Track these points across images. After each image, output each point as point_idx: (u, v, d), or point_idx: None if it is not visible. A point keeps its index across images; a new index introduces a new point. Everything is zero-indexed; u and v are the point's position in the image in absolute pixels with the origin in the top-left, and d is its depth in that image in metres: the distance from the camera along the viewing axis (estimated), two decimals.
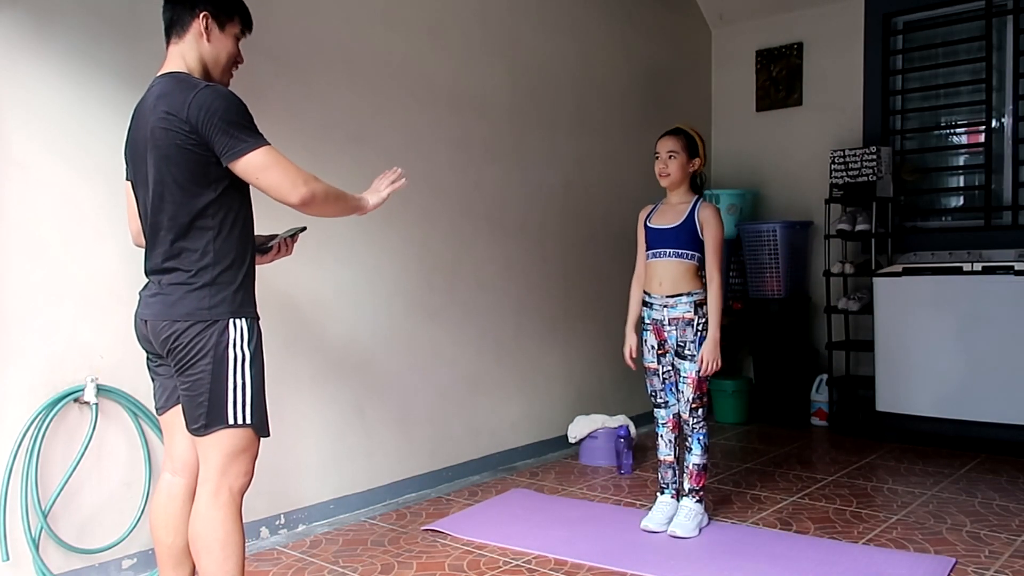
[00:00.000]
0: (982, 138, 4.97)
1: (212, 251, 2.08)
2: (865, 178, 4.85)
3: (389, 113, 3.73)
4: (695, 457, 3.25)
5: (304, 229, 2.51)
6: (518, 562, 2.97)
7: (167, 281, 2.10)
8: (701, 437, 3.24)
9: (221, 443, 2.10)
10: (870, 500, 3.64)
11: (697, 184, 3.31)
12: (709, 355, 3.14)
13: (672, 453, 3.33)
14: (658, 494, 3.36)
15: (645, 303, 3.31)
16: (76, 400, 2.72)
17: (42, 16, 2.64)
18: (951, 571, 2.82)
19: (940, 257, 4.65)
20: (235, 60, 2.25)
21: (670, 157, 3.22)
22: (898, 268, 4.62)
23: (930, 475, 4.01)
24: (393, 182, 2.42)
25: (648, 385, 3.33)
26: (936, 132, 5.20)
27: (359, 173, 3.18)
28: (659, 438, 3.34)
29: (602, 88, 4.94)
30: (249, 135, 2.04)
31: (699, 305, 3.19)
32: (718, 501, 3.65)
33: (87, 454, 2.74)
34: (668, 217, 3.26)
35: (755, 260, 5.26)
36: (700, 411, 3.23)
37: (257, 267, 2.26)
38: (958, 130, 5.14)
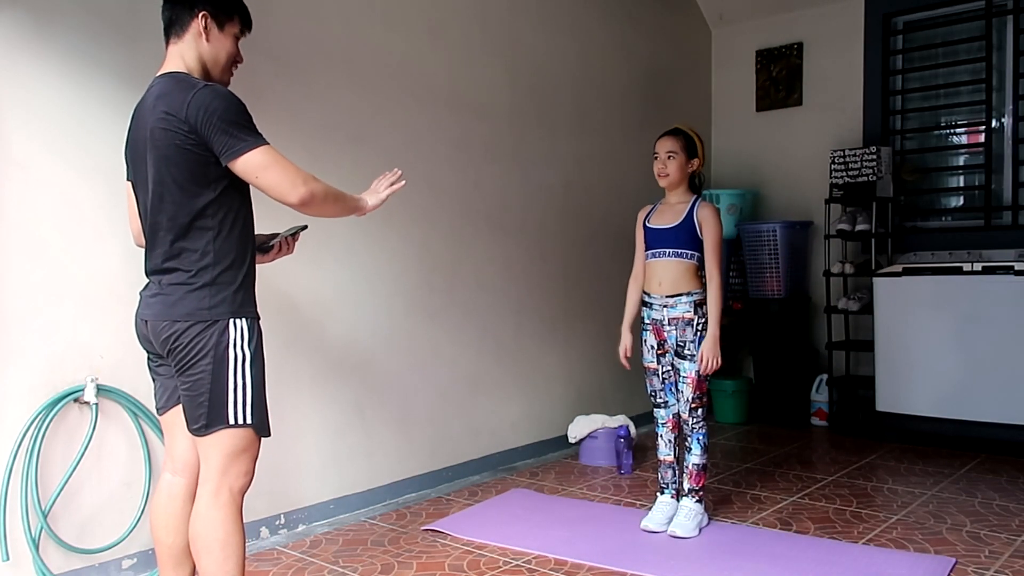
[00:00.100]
0: (982, 138, 4.97)
1: (212, 251, 2.08)
2: (865, 178, 4.85)
3: (389, 113, 3.73)
4: (695, 457, 3.25)
5: (305, 228, 2.51)
6: (518, 562, 2.97)
7: (167, 281, 2.10)
8: (701, 437, 3.24)
9: (222, 443, 2.10)
10: (870, 500, 3.64)
11: (696, 184, 3.31)
12: (709, 352, 3.14)
13: (672, 453, 3.33)
14: (658, 494, 3.36)
15: (645, 303, 3.31)
16: (76, 400, 2.72)
17: (42, 16, 2.64)
18: (951, 571, 2.82)
19: (940, 257, 4.65)
20: (235, 60, 2.25)
21: (669, 157, 3.22)
22: (898, 268, 4.62)
23: (930, 475, 4.01)
24: (392, 183, 2.42)
25: (648, 385, 3.33)
26: (936, 132, 5.20)
27: (359, 173, 3.18)
28: (659, 438, 3.34)
29: (602, 88, 4.94)
30: (248, 134, 2.04)
31: (699, 305, 3.20)
32: (718, 501, 3.65)
33: (87, 454, 2.74)
34: (667, 217, 3.27)
35: (755, 260, 5.26)
36: (700, 411, 3.23)
37: (257, 267, 2.26)
38: (958, 130, 5.14)
